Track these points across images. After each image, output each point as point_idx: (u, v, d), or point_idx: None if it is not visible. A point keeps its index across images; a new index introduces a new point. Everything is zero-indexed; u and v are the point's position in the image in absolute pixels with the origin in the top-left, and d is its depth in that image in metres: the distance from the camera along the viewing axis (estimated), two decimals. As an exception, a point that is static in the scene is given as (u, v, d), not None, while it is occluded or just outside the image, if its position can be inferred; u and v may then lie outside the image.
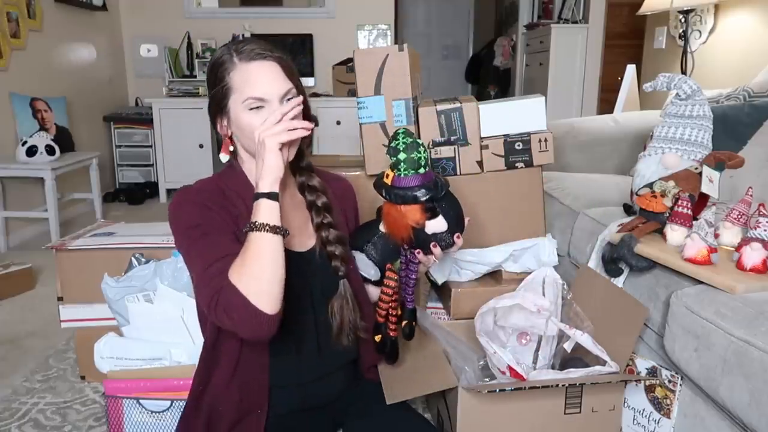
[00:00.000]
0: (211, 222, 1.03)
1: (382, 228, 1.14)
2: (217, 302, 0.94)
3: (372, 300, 1.21)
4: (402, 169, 1.03)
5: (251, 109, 1.03)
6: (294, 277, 1.02)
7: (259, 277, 0.93)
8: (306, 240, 1.14)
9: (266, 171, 0.96)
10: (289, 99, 1.04)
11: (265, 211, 0.95)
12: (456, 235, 1.10)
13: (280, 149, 0.97)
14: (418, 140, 1.04)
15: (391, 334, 1.17)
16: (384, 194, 1.06)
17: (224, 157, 1.12)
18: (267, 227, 0.94)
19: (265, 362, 1.08)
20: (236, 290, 0.92)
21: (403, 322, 1.18)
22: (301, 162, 1.15)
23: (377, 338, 1.18)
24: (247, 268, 0.93)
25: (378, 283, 1.18)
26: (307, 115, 1.09)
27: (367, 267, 1.18)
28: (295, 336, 1.10)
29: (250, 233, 0.95)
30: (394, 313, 1.15)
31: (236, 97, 1.04)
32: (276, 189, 0.96)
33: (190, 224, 1.03)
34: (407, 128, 1.06)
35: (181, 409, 1.37)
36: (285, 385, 1.11)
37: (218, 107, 1.08)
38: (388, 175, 1.05)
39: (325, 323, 1.11)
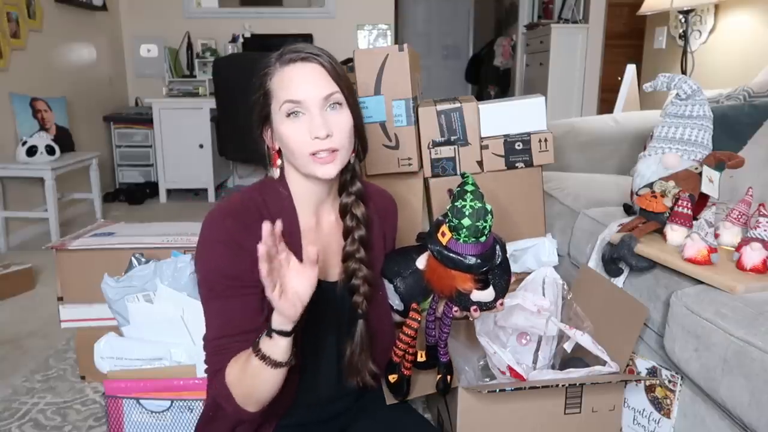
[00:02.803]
0: (237, 280, 0.95)
1: (419, 264, 1.05)
2: (211, 380, 0.97)
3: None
4: (462, 236, 0.91)
5: (288, 115, 0.94)
6: (322, 306, 0.98)
7: (253, 397, 0.91)
8: (339, 268, 1.06)
9: (279, 313, 0.85)
10: (334, 105, 0.95)
11: (275, 347, 0.86)
12: (500, 302, 1.01)
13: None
14: (487, 205, 0.92)
15: (405, 373, 1.12)
16: (436, 254, 0.95)
17: (275, 172, 1.03)
18: (271, 362, 0.87)
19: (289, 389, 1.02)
20: (229, 393, 0.92)
21: (439, 376, 1.12)
22: (351, 186, 1.05)
23: (392, 378, 1.12)
24: (245, 388, 0.91)
25: (401, 314, 1.13)
26: (361, 137, 1.02)
27: (392, 297, 1.12)
28: (316, 362, 1.06)
29: (251, 352, 0.88)
30: (411, 352, 1.10)
31: (275, 104, 0.96)
32: (290, 327, 0.86)
33: (215, 275, 0.95)
34: (476, 183, 0.94)
35: (181, 410, 1.37)
36: (300, 404, 1.08)
37: (262, 116, 1.00)
38: (444, 234, 0.94)
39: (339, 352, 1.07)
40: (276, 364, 0.87)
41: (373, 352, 1.07)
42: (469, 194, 0.92)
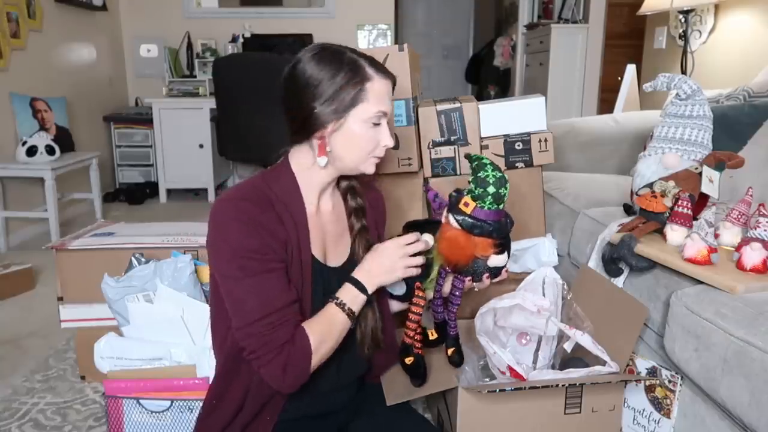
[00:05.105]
0: (264, 255, 0.98)
1: (428, 239, 1.13)
2: (279, 353, 0.97)
3: (392, 312, 1.24)
4: (487, 202, 1.02)
5: (375, 124, 1.04)
6: (325, 291, 1.06)
7: (328, 351, 1.02)
8: (340, 254, 1.13)
9: (383, 278, 1.06)
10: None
11: (358, 301, 1.04)
12: (505, 268, 1.12)
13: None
14: (505, 175, 1.03)
15: (419, 352, 1.17)
16: (461, 223, 1.03)
17: (322, 161, 1.04)
18: (352, 314, 1.04)
19: None
20: (309, 355, 0.99)
21: (450, 350, 1.18)
22: (352, 180, 1.17)
23: (408, 360, 1.17)
24: (327, 343, 1.01)
25: (402, 298, 1.18)
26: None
27: (395, 284, 1.16)
28: None
29: (336, 308, 1.02)
30: (419, 331, 1.16)
31: (366, 106, 1.01)
32: (374, 289, 1.06)
33: (241, 252, 0.96)
34: (491, 160, 1.06)
35: (181, 410, 1.37)
36: (301, 395, 1.09)
37: (337, 109, 1.00)
38: (467, 204, 1.03)
39: (348, 338, 1.09)
40: (354, 318, 1.04)
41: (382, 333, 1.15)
42: (488, 166, 1.02)
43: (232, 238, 0.97)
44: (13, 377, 1.78)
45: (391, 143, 1.06)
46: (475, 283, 1.12)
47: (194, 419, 1.35)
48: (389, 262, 1.04)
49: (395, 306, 1.24)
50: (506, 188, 1.02)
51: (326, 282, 1.07)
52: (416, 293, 1.13)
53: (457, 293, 1.14)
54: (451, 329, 1.18)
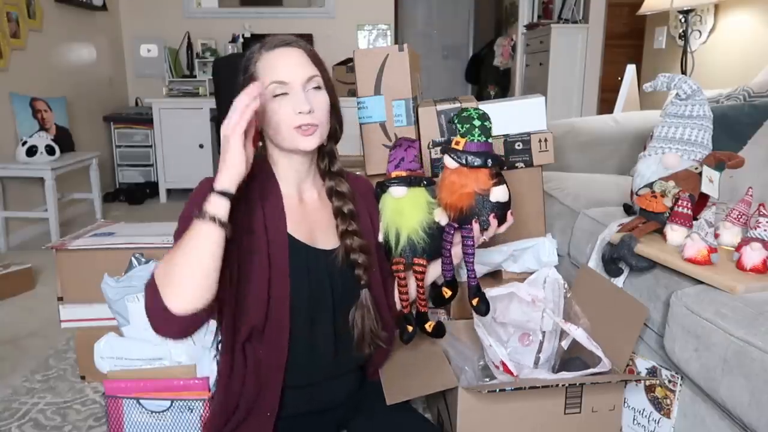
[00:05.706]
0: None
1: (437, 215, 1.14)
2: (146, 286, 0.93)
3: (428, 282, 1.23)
4: (476, 135, 1.08)
5: (275, 96, 1.02)
6: (317, 273, 1.07)
7: (177, 265, 0.89)
8: (330, 239, 1.13)
9: (225, 167, 0.91)
10: (315, 87, 1.04)
11: (216, 204, 0.90)
12: (510, 211, 1.13)
13: (245, 145, 0.91)
14: (486, 112, 1.11)
15: (423, 309, 1.19)
16: (456, 158, 1.09)
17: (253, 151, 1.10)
18: (208, 216, 0.89)
19: (283, 362, 1.07)
20: (152, 277, 0.90)
21: (475, 300, 1.18)
22: (332, 166, 1.15)
23: (429, 326, 1.19)
24: (172, 254, 0.91)
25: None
26: (337, 114, 1.12)
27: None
28: (314, 333, 1.10)
29: (194, 220, 0.90)
30: (423, 297, 1.19)
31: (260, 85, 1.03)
32: (232, 189, 0.91)
33: (184, 216, 1.02)
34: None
35: (181, 410, 1.37)
36: (297, 385, 1.11)
37: None
38: (458, 143, 1.10)
39: (343, 325, 1.11)
40: (214, 219, 0.88)
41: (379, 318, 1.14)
42: (469, 108, 1.10)
43: (186, 207, 1.02)
44: (13, 377, 1.78)
45: (303, 108, 1.00)
46: (484, 232, 1.11)
47: (194, 419, 1.36)
48: (227, 144, 0.91)
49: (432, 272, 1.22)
50: (490, 122, 1.09)
51: (312, 261, 1.08)
52: (414, 267, 1.15)
53: (469, 242, 1.13)
54: (471, 279, 1.17)
